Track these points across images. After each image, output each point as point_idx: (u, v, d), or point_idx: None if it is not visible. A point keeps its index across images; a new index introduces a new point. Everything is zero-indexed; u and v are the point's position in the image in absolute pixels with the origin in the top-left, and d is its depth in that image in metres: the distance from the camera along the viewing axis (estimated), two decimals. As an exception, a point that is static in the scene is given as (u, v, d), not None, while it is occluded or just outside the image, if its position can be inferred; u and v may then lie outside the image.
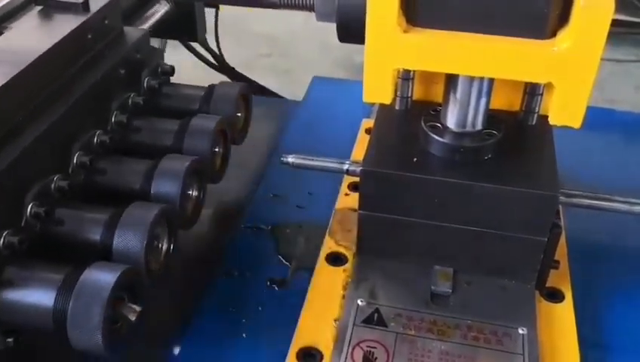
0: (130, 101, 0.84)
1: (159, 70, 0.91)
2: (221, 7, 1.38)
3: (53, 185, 0.70)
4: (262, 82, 1.55)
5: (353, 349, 0.72)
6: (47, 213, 0.68)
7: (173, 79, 0.95)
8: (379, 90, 0.69)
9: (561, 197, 0.75)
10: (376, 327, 0.74)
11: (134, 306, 0.64)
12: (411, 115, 0.83)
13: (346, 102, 1.10)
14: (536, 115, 0.83)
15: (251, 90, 0.95)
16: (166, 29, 1.04)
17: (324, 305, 0.78)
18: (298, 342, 0.74)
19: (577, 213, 0.83)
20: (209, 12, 1.45)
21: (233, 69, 1.51)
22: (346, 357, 0.71)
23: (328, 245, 0.86)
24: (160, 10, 1.03)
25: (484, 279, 0.79)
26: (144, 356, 0.77)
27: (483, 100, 0.75)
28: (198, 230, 0.94)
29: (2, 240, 0.64)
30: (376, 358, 0.71)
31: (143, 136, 0.84)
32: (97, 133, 0.78)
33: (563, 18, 0.63)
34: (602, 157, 1.07)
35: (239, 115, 0.92)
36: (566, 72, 0.64)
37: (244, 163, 1.06)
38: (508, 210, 0.75)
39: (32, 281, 0.64)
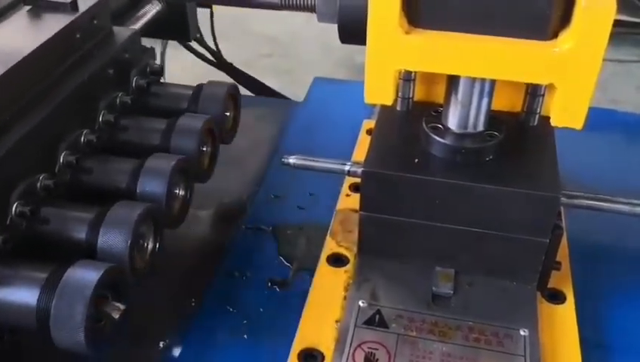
0: (118, 100, 0.84)
1: (148, 70, 0.91)
2: (221, 7, 1.38)
3: (39, 184, 0.70)
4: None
5: (354, 350, 0.72)
6: (33, 212, 0.68)
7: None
8: (380, 91, 0.69)
9: (563, 198, 0.75)
10: (378, 328, 0.74)
11: (118, 304, 0.64)
12: (412, 116, 0.83)
13: (347, 102, 1.10)
14: (537, 116, 0.83)
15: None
16: (158, 29, 1.04)
17: (326, 307, 0.78)
18: (299, 343, 0.74)
19: (579, 214, 0.83)
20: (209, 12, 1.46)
21: (231, 64, 1.51)
22: (347, 359, 0.71)
23: (329, 246, 0.86)
24: (151, 10, 1.03)
25: (486, 280, 0.79)
26: (144, 356, 0.77)
27: (484, 101, 0.75)
28: (199, 230, 0.94)
29: None
30: (377, 359, 0.71)
31: (131, 135, 0.84)
32: (84, 132, 0.78)
33: (565, 19, 0.63)
34: (604, 159, 1.07)
35: (227, 114, 0.92)
36: (568, 74, 0.63)
37: (245, 164, 1.06)
38: (509, 211, 0.75)
39: (16, 280, 0.64)
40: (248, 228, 0.93)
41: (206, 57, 1.49)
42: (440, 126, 0.78)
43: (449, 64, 0.66)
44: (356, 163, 0.80)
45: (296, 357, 0.72)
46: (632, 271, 0.87)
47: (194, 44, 1.42)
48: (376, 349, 0.72)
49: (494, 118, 0.78)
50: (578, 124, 0.67)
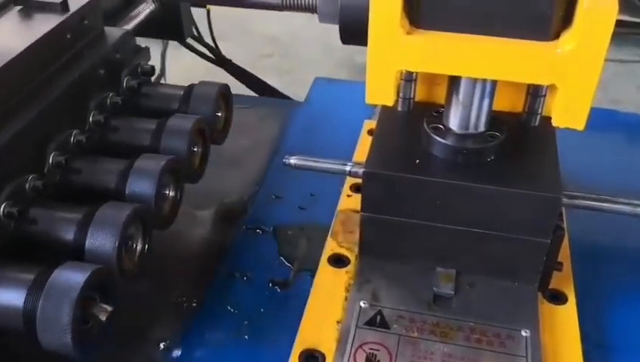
0: (108, 101, 0.84)
1: (139, 70, 0.91)
2: (221, 8, 1.38)
3: (27, 185, 0.70)
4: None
5: (356, 351, 0.72)
6: (21, 213, 0.68)
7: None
8: (381, 92, 0.69)
9: (564, 198, 0.75)
10: (379, 329, 0.74)
11: (106, 306, 0.63)
12: (414, 117, 0.82)
13: (348, 103, 1.10)
14: (538, 117, 0.83)
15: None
16: (152, 29, 1.04)
17: (327, 307, 0.78)
18: (300, 344, 0.74)
19: (580, 215, 0.83)
20: (212, 12, 1.46)
21: (230, 61, 1.51)
22: (348, 359, 0.71)
23: (330, 247, 0.86)
24: (145, 10, 1.03)
25: (487, 281, 0.79)
26: (144, 357, 0.77)
27: (486, 102, 0.75)
28: (200, 231, 0.94)
29: None
30: (378, 360, 0.71)
31: (121, 135, 0.84)
32: (74, 132, 0.78)
33: (566, 20, 0.63)
34: (605, 159, 1.06)
35: (219, 114, 0.92)
36: (569, 74, 0.63)
37: (246, 164, 1.06)
38: (510, 212, 0.75)
39: (3, 281, 0.64)
40: (249, 228, 0.93)
41: (205, 55, 1.49)
42: (441, 126, 0.78)
43: (450, 65, 0.66)
44: (357, 163, 0.80)
45: (297, 358, 0.72)
46: (633, 272, 0.87)
47: (194, 44, 1.42)
48: (378, 350, 0.72)
49: (495, 119, 0.78)
50: (580, 124, 0.66)
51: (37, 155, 0.73)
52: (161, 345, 0.77)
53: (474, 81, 0.73)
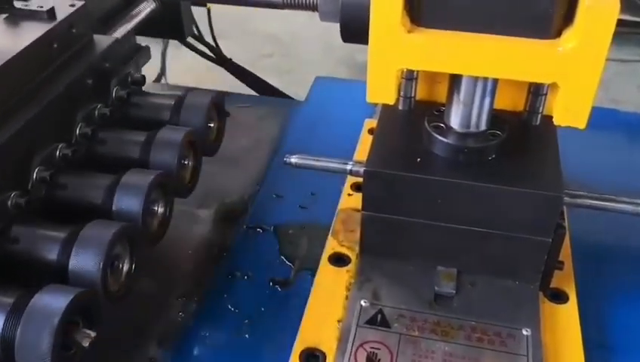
0: (96, 112, 0.81)
1: (129, 79, 0.88)
2: (221, 7, 1.38)
3: (10, 202, 0.67)
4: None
5: (356, 350, 0.71)
6: (2, 232, 0.66)
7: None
8: (382, 91, 0.69)
9: (566, 197, 0.75)
10: (380, 328, 0.74)
11: (89, 332, 0.61)
12: (415, 115, 0.82)
13: (349, 102, 1.10)
14: (540, 115, 0.83)
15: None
16: (152, 28, 1.03)
17: (327, 306, 0.78)
18: (301, 343, 0.74)
19: (581, 214, 0.83)
20: (212, 10, 1.46)
21: (230, 60, 1.51)
22: (349, 358, 0.71)
23: (331, 246, 0.86)
24: (146, 9, 1.02)
25: (488, 280, 0.79)
26: (145, 356, 0.76)
27: (487, 100, 0.75)
28: (201, 230, 0.94)
29: None
30: (379, 359, 0.71)
31: (109, 148, 0.81)
32: (60, 146, 0.74)
33: (568, 18, 0.63)
34: (606, 158, 1.06)
35: (211, 125, 0.88)
36: (571, 73, 0.63)
37: (247, 163, 1.06)
38: (512, 211, 0.74)
39: None
40: (250, 227, 0.93)
41: (206, 54, 1.49)
42: (442, 125, 0.78)
43: (451, 63, 0.66)
44: (358, 162, 0.80)
45: (297, 357, 0.72)
46: (634, 271, 0.87)
47: (194, 43, 1.42)
48: (379, 349, 0.72)
49: (497, 117, 0.78)
50: (581, 123, 0.66)
51: (20, 170, 0.70)
52: (162, 344, 0.77)
53: (475, 80, 0.73)
